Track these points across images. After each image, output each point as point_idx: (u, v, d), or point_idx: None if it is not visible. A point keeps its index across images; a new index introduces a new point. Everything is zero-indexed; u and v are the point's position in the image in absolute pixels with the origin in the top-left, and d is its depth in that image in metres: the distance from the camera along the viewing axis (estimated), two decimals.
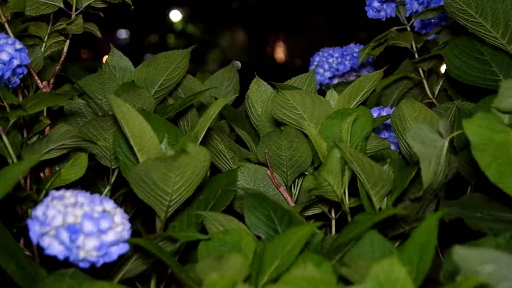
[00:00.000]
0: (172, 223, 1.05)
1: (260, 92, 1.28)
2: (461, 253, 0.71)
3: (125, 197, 1.12)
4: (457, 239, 0.78)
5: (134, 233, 0.86)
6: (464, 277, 0.71)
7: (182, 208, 1.05)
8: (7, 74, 0.99)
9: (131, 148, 1.02)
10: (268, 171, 1.18)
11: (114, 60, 1.31)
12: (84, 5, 1.24)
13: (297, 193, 1.20)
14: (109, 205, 0.84)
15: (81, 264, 0.83)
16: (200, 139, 1.08)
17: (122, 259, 0.87)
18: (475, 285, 0.70)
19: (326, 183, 1.08)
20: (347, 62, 1.52)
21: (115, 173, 1.15)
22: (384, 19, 1.45)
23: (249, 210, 1.04)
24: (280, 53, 10.57)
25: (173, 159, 0.94)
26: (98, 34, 1.28)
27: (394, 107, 1.16)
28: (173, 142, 1.04)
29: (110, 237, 0.82)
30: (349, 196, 1.11)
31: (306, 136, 1.14)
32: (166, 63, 1.25)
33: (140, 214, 1.16)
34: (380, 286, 0.76)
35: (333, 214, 1.17)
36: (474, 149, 0.86)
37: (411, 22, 1.43)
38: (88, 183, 1.19)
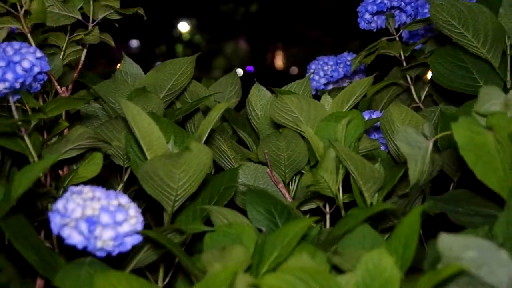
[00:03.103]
0: (179, 217, 1.05)
1: (260, 96, 1.29)
2: (446, 240, 0.71)
3: (136, 193, 1.12)
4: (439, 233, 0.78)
5: (145, 226, 0.86)
6: (446, 264, 0.71)
7: (188, 203, 1.05)
8: (29, 80, 0.99)
9: (140, 148, 1.02)
10: (268, 170, 1.19)
11: (126, 67, 1.31)
12: (100, 17, 1.25)
13: (294, 190, 1.20)
14: (124, 199, 0.85)
15: (98, 253, 0.83)
16: (204, 139, 1.08)
17: (135, 249, 0.87)
18: (456, 272, 0.71)
19: (323, 180, 1.08)
20: (340, 70, 1.53)
21: (128, 171, 1.15)
22: (375, 30, 1.45)
23: (251, 205, 1.04)
24: (279, 61, 10.56)
25: (177, 156, 0.94)
26: (112, 43, 1.28)
27: (384, 111, 1.17)
28: (179, 142, 1.04)
29: (125, 228, 0.82)
30: (343, 192, 1.11)
31: (302, 137, 1.14)
32: (173, 69, 1.25)
33: (149, 209, 1.17)
34: (369, 275, 0.76)
35: (327, 209, 1.17)
36: (461, 150, 0.87)
37: (399, 33, 1.44)
38: (103, 180, 1.19)
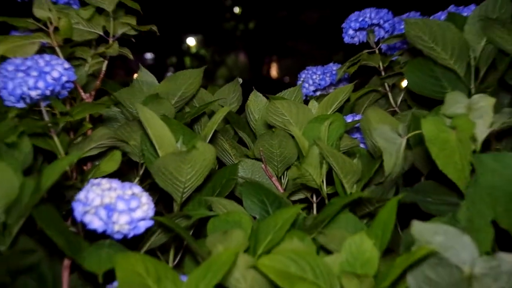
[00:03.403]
0: (187, 207, 1.05)
1: (257, 102, 1.29)
2: (417, 227, 0.72)
3: (150, 186, 1.12)
4: (412, 219, 0.78)
5: (157, 214, 0.87)
6: (418, 247, 0.71)
7: (194, 194, 1.05)
8: (57, 88, 0.99)
9: (153, 146, 1.02)
10: (263, 165, 1.19)
11: (142, 76, 1.31)
12: (119, 32, 1.25)
13: (285, 182, 1.20)
14: (137, 189, 0.85)
15: (116, 236, 0.83)
16: (208, 139, 1.09)
17: (148, 233, 0.88)
18: (427, 253, 0.71)
19: (308, 173, 1.08)
20: (327, 78, 1.52)
21: (143, 167, 1.15)
22: (357, 44, 1.45)
23: (246, 196, 1.05)
24: (273, 71, 10.58)
25: (185, 153, 0.95)
26: (130, 56, 1.28)
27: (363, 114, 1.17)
28: (187, 141, 1.04)
29: (138, 214, 0.83)
30: (327, 184, 1.11)
31: (292, 136, 1.15)
32: (183, 79, 1.25)
33: (162, 200, 1.16)
34: (352, 256, 0.77)
35: (314, 199, 1.17)
36: (427, 142, 0.88)
37: (378, 46, 1.44)
38: (122, 175, 1.18)
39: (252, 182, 1.10)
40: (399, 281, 0.74)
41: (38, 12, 1.15)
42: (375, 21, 1.40)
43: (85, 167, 1.15)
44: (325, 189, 1.11)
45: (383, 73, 1.41)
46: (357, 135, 1.22)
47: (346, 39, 1.45)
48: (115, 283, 0.73)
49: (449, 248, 0.71)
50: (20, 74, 0.98)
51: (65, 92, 1.03)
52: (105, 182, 0.84)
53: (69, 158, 0.90)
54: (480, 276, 0.71)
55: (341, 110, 1.23)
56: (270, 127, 1.20)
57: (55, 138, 1.04)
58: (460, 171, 0.86)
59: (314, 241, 0.88)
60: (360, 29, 1.43)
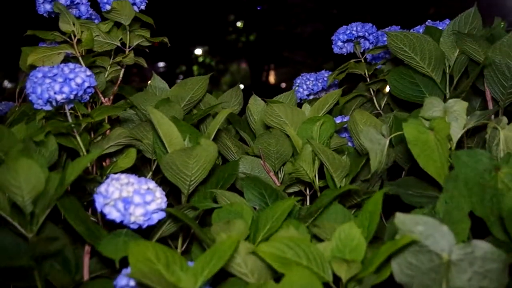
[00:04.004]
0: (193, 198, 1.04)
1: (256, 105, 1.28)
2: (400, 218, 0.72)
3: (161, 180, 1.11)
4: (395, 211, 0.78)
5: (168, 205, 0.86)
6: (401, 235, 0.70)
7: (200, 187, 1.04)
8: (80, 93, 0.99)
9: (163, 144, 1.01)
10: (261, 161, 1.18)
11: (155, 83, 1.30)
12: (135, 44, 1.24)
13: (282, 177, 1.19)
14: (152, 184, 0.85)
15: (132, 226, 0.83)
16: (212, 137, 1.08)
17: (160, 223, 0.87)
18: (409, 242, 0.70)
19: (302, 169, 1.08)
20: (319, 84, 1.52)
21: (155, 163, 1.14)
22: (345, 54, 1.45)
23: (247, 188, 1.04)
24: (271, 78, 10.61)
25: (190, 150, 0.95)
26: (144, 64, 1.28)
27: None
28: (194, 140, 1.04)
29: (152, 207, 0.82)
30: (319, 178, 1.10)
31: (287, 136, 1.14)
32: (191, 85, 1.25)
33: (172, 192, 1.15)
34: (341, 243, 0.76)
35: (307, 191, 1.16)
36: (409, 144, 0.87)
37: (364, 56, 1.42)
38: (136, 170, 1.18)
39: (252, 177, 1.09)
40: (384, 266, 0.73)
41: (63, 26, 1.14)
42: (361, 34, 1.40)
43: (104, 163, 1.14)
44: (317, 183, 1.10)
45: (368, 80, 1.40)
46: (345, 135, 1.21)
47: (336, 50, 1.44)
48: (129, 269, 0.71)
49: (429, 236, 0.70)
50: (48, 80, 0.97)
51: (86, 97, 1.03)
52: (124, 177, 0.83)
53: (90, 155, 0.90)
54: (457, 261, 0.70)
55: (331, 112, 1.23)
56: (268, 127, 1.19)
57: (78, 137, 1.03)
58: (440, 168, 0.85)
59: (308, 229, 0.87)
60: (347, 40, 1.42)
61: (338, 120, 1.20)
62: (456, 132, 0.92)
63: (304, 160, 1.08)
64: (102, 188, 0.82)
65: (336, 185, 1.06)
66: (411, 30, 1.31)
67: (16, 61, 1.19)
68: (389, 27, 1.46)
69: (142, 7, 1.23)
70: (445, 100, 0.95)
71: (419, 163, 0.87)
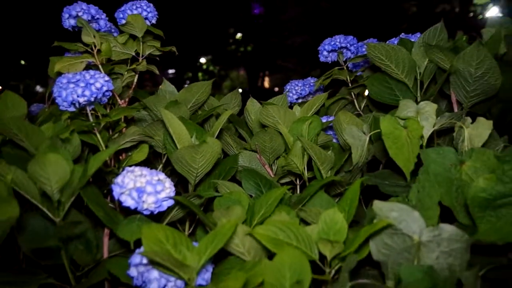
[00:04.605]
0: (199, 188, 1.04)
1: (253, 106, 1.28)
2: (378, 205, 0.72)
3: (171, 172, 1.11)
4: (374, 199, 0.78)
5: (176, 194, 0.86)
6: (379, 220, 0.71)
7: (205, 178, 1.04)
8: (99, 96, 0.99)
9: (173, 141, 1.01)
10: (258, 155, 1.18)
11: (165, 87, 1.30)
12: (147, 53, 1.24)
13: (275, 169, 1.19)
14: (162, 176, 0.84)
15: (144, 212, 0.83)
16: (216, 135, 1.08)
17: (169, 209, 0.87)
18: (385, 225, 0.70)
19: (292, 162, 1.08)
20: (307, 89, 1.51)
21: (165, 157, 1.14)
22: (330, 62, 1.44)
23: (245, 179, 1.04)
24: (266, 83, 10.60)
25: (197, 146, 0.95)
26: (156, 71, 1.27)
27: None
28: (199, 137, 1.04)
29: (162, 195, 0.82)
30: (308, 170, 1.10)
31: (280, 133, 1.13)
32: (196, 89, 1.24)
33: (180, 182, 1.15)
34: (326, 226, 0.76)
35: (298, 182, 1.16)
36: (383, 136, 0.88)
37: (346, 64, 1.42)
38: (149, 163, 1.18)
39: (250, 169, 1.09)
40: (363, 246, 0.73)
41: (85, 38, 1.14)
42: (343, 45, 1.39)
43: (120, 157, 1.14)
44: (306, 174, 1.10)
45: (350, 85, 1.40)
46: (330, 132, 1.21)
47: (322, 59, 1.44)
48: (142, 249, 0.71)
49: (402, 221, 0.71)
50: (71, 85, 0.97)
51: (105, 99, 1.02)
52: (138, 170, 0.83)
53: (108, 150, 0.90)
54: (426, 242, 0.70)
55: (318, 113, 1.22)
56: (263, 126, 1.19)
57: (98, 135, 1.03)
58: (407, 160, 0.86)
59: (297, 214, 0.87)
60: (332, 51, 1.42)
61: (324, 119, 1.19)
62: (427, 131, 0.92)
63: (295, 155, 1.07)
64: (119, 179, 0.82)
65: (323, 176, 1.06)
66: (387, 42, 1.31)
67: (46, 69, 1.19)
68: (368, 39, 1.46)
69: (153, 21, 1.23)
70: (417, 102, 0.95)
71: (389, 153, 0.87)
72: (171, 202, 0.84)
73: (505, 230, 0.70)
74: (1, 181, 0.80)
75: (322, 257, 0.74)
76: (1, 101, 1.15)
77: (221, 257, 0.80)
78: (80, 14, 1.18)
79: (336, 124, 1.12)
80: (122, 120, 1.16)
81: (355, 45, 1.40)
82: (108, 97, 1.02)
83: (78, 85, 0.97)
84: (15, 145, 0.99)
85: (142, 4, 1.21)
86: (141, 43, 1.22)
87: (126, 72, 1.24)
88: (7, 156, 0.97)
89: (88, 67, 1.17)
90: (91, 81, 0.98)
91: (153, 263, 0.71)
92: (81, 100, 0.97)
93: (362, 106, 1.41)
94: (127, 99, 1.23)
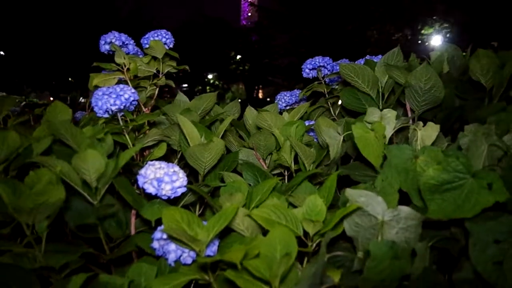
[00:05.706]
0: (207, 178, 1.03)
1: (250, 113, 1.26)
2: (349, 191, 0.71)
3: (184, 165, 1.09)
4: (346, 186, 0.77)
5: (189, 183, 0.84)
6: (350, 204, 0.69)
7: (212, 170, 1.02)
8: (127, 104, 0.98)
9: (186, 140, 1.00)
10: (254, 152, 1.16)
11: (180, 97, 1.28)
12: (165, 71, 1.22)
13: (269, 163, 1.18)
14: (177, 168, 0.84)
15: (163, 197, 0.82)
16: (220, 135, 1.07)
17: (183, 195, 0.85)
18: (355, 208, 0.69)
19: (283, 157, 1.07)
20: (293, 99, 1.50)
21: (180, 153, 1.13)
22: (311, 78, 1.43)
23: (245, 171, 1.03)
24: (260, 95, 10.57)
25: (206, 145, 0.94)
26: (173, 85, 1.26)
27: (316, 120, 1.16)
28: (207, 137, 1.02)
29: (177, 184, 0.81)
30: (294, 164, 1.09)
31: (273, 134, 1.12)
32: (205, 99, 1.23)
33: (191, 173, 1.14)
34: (310, 209, 0.75)
35: (286, 173, 1.15)
36: (356, 139, 0.86)
37: (324, 79, 1.41)
38: (166, 158, 1.16)
39: (248, 163, 1.08)
40: (338, 224, 0.72)
41: (117, 59, 1.13)
42: (321, 64, 1.38)
43: (144, 153, 1.13)
44: (293, 167, 1.08)
45: (327, 96, 1.39)
46: (312, 134, 1.20)
47: (304, 75, 1.43)
48: (162, 226, 0.70)
49: (369, 204, 0.69)
50: (106, 97, 0.96)
51: (132, 107, 1.01)
52: (157, 163, 0.82)
53: (135, 148, 0.90)
54: (388, 221, 0.69)
55: (302, 118, 1.21)
56: (259, 128, 1.17)
57: (126, 135, 1.02)
58: (377, 157, 0.84)
59: (286, 199, 0.86)
60: (312, 69, 1.41)
61: (307, 123, 1.18)
62: (389, 132, 0.91)
63: (284, 151, 1.06)
64: (142, 171, 0.81)
65: (306, 168, 1.05)
66: (356, 62, 1.29)
67: (87, 83, 1.18)
68: (341, 59, 1.45)
69: (171, 46, 1.22)
70: (380, 110, 0.94)
71: (362, 153, 0.85)
72: (184, 189, 0.83)
73: (448, 209, 0.69)
74: (52, 171, 0.79)
75: (306, 233, 0.73)
76: (52, 109, 1.15)
77: (225, 233, 0.79)
78: (113, 40, 1.17)
79: (317, 127, 1.11)
80: (146, 123, 1.15)
81: (330, 64, 1.39)
82: (134, 105, 1.01)
83: (111, 96, 0.96)
84: (62, 144, 0.98)
85: (162, 32, 1.21)
86: (161, 63, 1.21)
87: (149, 86, 1.22)
88: (56, 152, 0.96)
89: (119, 82, 1.16)
90: (121, 93, 0.97)
91: (171, 237, 0.70)
92: (113, 108, 0.96)
93: (337, 113, 1.40)
94: (150, 107, 1.21)
